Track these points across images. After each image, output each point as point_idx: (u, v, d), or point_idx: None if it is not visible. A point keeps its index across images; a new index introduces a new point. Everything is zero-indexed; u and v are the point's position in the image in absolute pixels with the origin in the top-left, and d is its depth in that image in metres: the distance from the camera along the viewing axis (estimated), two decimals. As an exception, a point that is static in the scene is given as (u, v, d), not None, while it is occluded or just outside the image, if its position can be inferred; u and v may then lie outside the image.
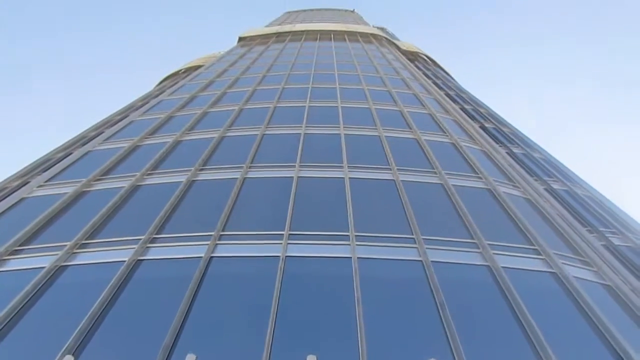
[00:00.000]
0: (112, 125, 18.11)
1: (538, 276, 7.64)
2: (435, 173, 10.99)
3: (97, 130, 18.49)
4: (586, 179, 15.32)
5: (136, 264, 7.86)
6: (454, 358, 5.75)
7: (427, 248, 7.98)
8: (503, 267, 7.57)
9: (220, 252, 8.14)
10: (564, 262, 7.99)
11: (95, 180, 11.10)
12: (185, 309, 6.78)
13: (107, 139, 14.19)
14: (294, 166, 11.06)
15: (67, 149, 16.54)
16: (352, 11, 53.55)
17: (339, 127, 13.65)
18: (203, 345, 6.14)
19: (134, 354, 6.07)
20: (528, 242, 8.55)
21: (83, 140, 17.29)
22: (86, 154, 13.11)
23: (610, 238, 10.50)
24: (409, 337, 6.25)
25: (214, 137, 13.18)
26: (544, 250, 8.23)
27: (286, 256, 7.85)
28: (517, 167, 12.74)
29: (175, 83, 25.72)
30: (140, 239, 8.33)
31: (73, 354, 5.93)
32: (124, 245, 8.30)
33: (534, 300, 6.88)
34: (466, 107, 20.74)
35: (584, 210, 11.90)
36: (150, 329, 6.54)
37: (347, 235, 8.40)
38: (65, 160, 12.81)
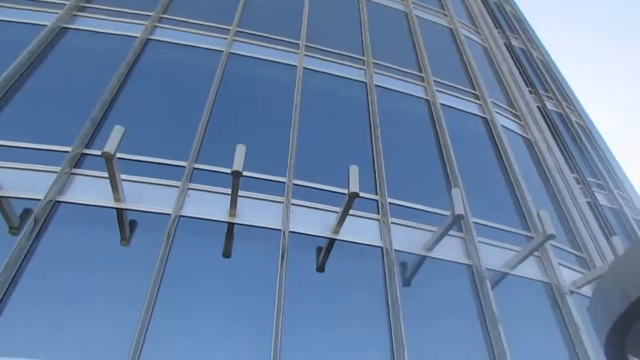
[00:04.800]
0: None
1: (470, 118, 7.95)
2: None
3: None
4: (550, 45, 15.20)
5: (61, 31, 7.19)
6: (375, 166, 6.16)
7: (374, 72, 7.90)
8: (441, 103, 7.74)
9: (158, 36, 7.58)
10: (497, 110, 8.30)
11: None
12: (117, 86, 6.51)
13: None
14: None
15: None
16: None
17: None
18: (132, 122, 6.05)
19: (62, 126, 5.88)
20: (471, 87, 8.68)
21: None
22: None
23: (546, 102, 10.92)
24: (338, 147, 6.51)
25: None
26: (482, 97, 8.44)
27: (230, 52, 7.49)
28: (486, 14, 12.30)
29: None
30: (65, 4, 7.48)
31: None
32: (47, 8, 7.45)
33: (460, 136, 7.25)
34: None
35: (533, 72, 12.07)
36: (78, 100, 6.28)
37: (297, 43, 8.04)
38: None
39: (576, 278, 6.22)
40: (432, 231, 5.74)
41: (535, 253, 6.13)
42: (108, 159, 4.59)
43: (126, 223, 5.04)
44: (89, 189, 5.10)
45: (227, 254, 5.09)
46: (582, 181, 8.75)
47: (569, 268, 6.33)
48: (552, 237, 5.39)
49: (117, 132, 4.68)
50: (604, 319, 3.48)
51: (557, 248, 6.46)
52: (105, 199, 5.04)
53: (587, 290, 6.13)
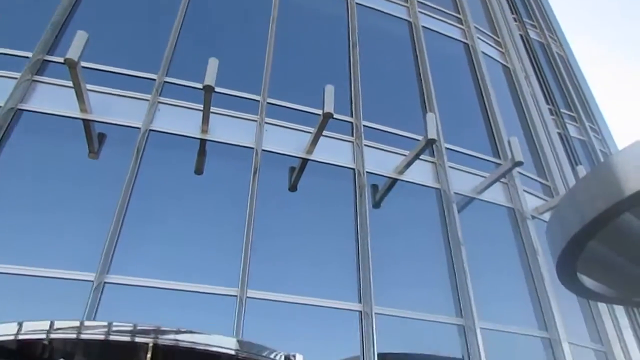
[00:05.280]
0: None
1: (451, 43, 7.78)
2: None
3: None
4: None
5: None
6: (351, 87, 6.08)
7: (356, -11, 7.53)
8: (423, 26, 7.51)
9: None
10: (479, 36, 8.12)
11: None
12: (80, -12, 6.04)
13: None
14: None
15: None
16: None
17: None
18: (97, 29, 5.68)
19: (21, 29, 5.47)
20: (455, 10, 8.41)
21: None
22: None
23: (529, 30, 10.73)
24: (315, 66, 6.33)
25: None
26: (466, 21, 8.21)
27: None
28: None
29: None
30: None
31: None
32: None
33: (439, 60, 7.13)
34: None
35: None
36: (38, 1, 5.84)
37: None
38: None
39: (539, 204, 6.46)
40: (405, 155, 5.78)
41: (503, 180, 6.30)
42: (71, 66, 4.36)
43: (94, 135, 4.90)
44: (53, 98, 4.89)
45: (199, 170, 5.06)
46: (556, 112, 8.84)
47: (534, 195, 6.56)
48: (519, 163, 5.51)
49: (81, 37, 4.41)
50: (560, 240, 3.66)
51: (524, 176, 6.64)
52: (71, 109, 4.85)
53: (548, 217, 6.41)
